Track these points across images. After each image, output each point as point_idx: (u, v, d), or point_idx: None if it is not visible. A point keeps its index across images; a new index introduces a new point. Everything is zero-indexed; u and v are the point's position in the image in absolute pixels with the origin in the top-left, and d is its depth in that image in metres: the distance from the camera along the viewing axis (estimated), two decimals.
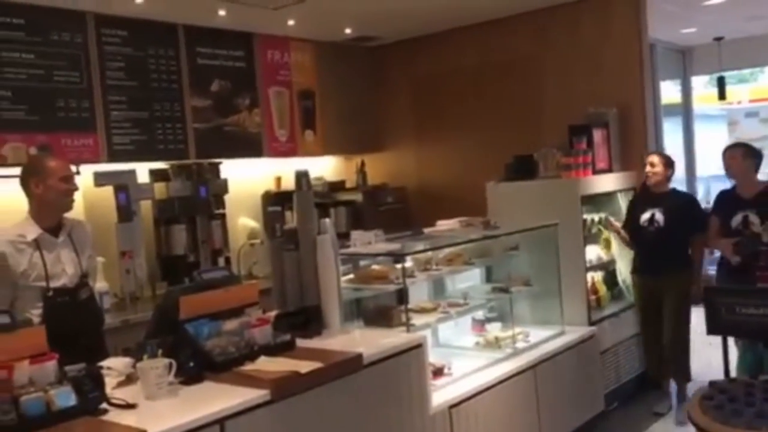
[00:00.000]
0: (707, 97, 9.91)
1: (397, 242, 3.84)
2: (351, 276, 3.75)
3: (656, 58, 6.93)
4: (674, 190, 4.81)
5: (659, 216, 4.62)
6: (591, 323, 4.64)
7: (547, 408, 4.05)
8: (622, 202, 5.20)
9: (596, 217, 4.96)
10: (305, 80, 6.11)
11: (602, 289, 5.06)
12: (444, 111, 6.30)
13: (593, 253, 5.02)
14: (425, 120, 6.46)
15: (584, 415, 4.40)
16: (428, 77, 6.39)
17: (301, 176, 3.39)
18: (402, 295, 3.62)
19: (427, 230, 4.39)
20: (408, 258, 3.73)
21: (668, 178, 4.74)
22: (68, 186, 3.17)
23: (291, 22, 5.43)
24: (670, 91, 8.30)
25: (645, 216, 4.68)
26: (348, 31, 5.97)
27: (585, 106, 5.23)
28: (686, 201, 4.81)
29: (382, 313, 3.63)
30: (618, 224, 4.92)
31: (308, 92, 6.13)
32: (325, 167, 6.48)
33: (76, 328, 3.03)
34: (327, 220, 3.45)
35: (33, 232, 3.13)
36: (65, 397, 2.20)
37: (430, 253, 3.91)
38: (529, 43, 5.78)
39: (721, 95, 7.97)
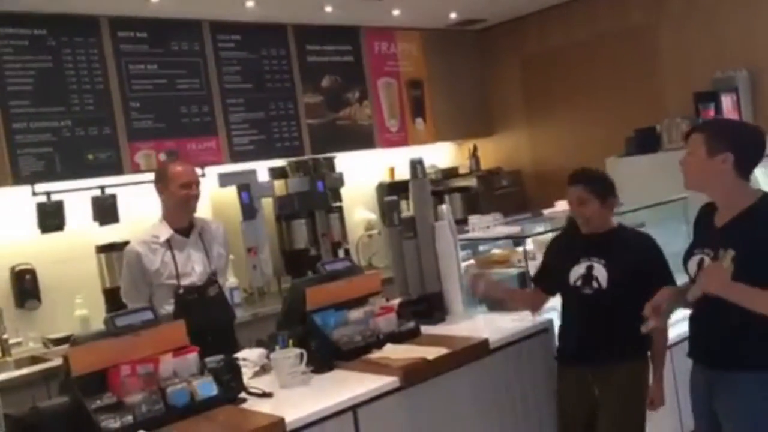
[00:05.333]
0: None
1: (517, 225, 3.77)
2: (471, 261, 3.72)
3: None
4: (621, 228, 2.99)
5: (600, 271, 2.84)
6: None
7: (686, 392, 3.85)
8: (758, 172, 4.85)
9: None
10: (413, 69, 6.10)
11: None
12: (556, 89, 6.12)
13: None
14: (537, 100, 6.30)
15: None
16: (537, 56, 6.22)
17: (416, 164, 3.39)
18: (524, 279, 3.55)
19: (546, 212, 4.29)
20: (528, 240, 3.65)
21: (610, 208, 2.92)
22: (187, 192, 3.32)
23: (396, 12, 5.44)
24: None
25: (577, 270, 2.88)
26: (453, 15, 5.90)
27: (711, 71, 4.93)
28: (643, 246, 2.92)
29: None
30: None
31: (417, 80, 6.12)
32: (437, 154, 6.45)
33: (204, 324, 3.12)
34: (444, 206, 3.44)
35: (165, 233, 3.32)
36: (208, 387, 2.31)
37: (550, 235, 3.81)
38: (641, 10, 5.51)
39: None
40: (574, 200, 2.89)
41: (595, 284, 2.83)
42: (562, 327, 3.02)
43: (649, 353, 2.91)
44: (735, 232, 2.25)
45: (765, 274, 2.11)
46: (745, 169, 2.30)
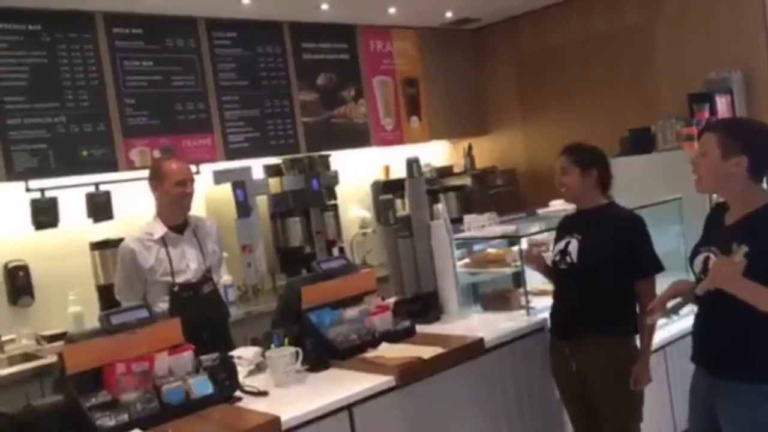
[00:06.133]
0: None
1: (512, 224, 3.77)
2: (466, 260, 3.73)
3: None
4: (611, 206, 2.98)
5: (574, 245, 2.89)
6: None
7: (680, 391, 3.87)
8: None
9: None
10: (408, 67, 6.10)
11: None
12: (551, 89, 6.13)
13: None
14: (532, 99, 6.31)
15: None
16: (532, 55, 6.23)
17: (412, 163, 3.40)
18: (519, 278, 3.55)
19: (541, 211, 4.29)
20: (523, 240, 3.66)
21: (605, 186, 2.97)
22: (182, 189, 3.30)
23: (392, 11, 5.43)
24: None
25: (558, 247, 2.97)
26: (449, 14, 5.90)
27: (705, 72, 4.94)
28: (624, 224, 2.90)
29: (499, 296, 3.57)
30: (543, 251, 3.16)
31: (412, 79, 6.12)
32: (431, 153, 6.45)
33: (198, 321, 3.13)
34: (440, 205, 3.45)
35: (159, 230, 3.31)
36: (203, 386, 2.31)
37: (546, 234, 3.82)
38: (636, 10, 5.53)
39: None
40: (558, 170, 2.98)
41: (568, 259, 2.89)
42: (553, 303, 3.07)
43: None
44: (743, 231, 2.17)
45: None
46: (759, 172, 2.23)
